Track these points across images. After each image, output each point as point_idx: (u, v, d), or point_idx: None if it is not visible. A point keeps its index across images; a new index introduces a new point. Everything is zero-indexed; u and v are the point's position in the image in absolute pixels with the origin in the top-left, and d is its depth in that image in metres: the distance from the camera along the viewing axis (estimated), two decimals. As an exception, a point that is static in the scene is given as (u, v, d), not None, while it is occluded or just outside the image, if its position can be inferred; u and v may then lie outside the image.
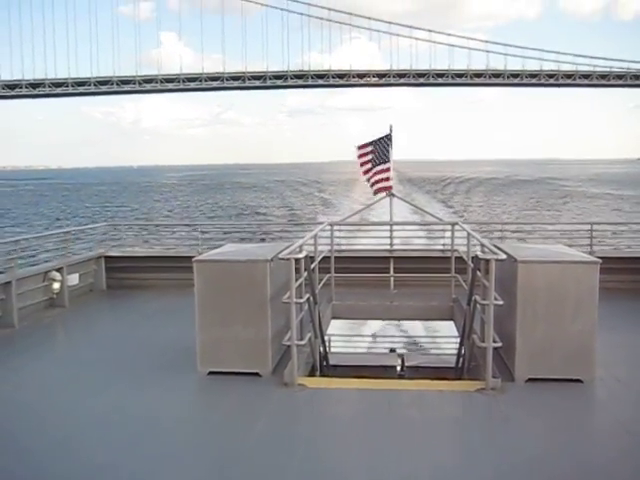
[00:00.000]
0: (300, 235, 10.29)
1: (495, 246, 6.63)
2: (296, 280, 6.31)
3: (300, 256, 6.39)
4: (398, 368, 10.37)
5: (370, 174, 11.69)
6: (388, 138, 11.44)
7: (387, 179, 11.55)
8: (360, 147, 11.65)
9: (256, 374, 6.55)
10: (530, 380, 6.29)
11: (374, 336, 15.09)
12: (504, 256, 6.08)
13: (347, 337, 13.38)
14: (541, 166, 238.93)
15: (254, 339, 6.55)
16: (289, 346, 6.31)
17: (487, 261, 6.14)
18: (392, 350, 12.15)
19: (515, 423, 5.47)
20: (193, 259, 6.72)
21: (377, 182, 11.68)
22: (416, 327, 15.66)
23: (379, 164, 11.56)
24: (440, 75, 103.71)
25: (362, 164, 11.69)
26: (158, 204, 74.64)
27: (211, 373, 6.63)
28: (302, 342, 6.66)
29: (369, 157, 11.67)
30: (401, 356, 10.92)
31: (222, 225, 21.33)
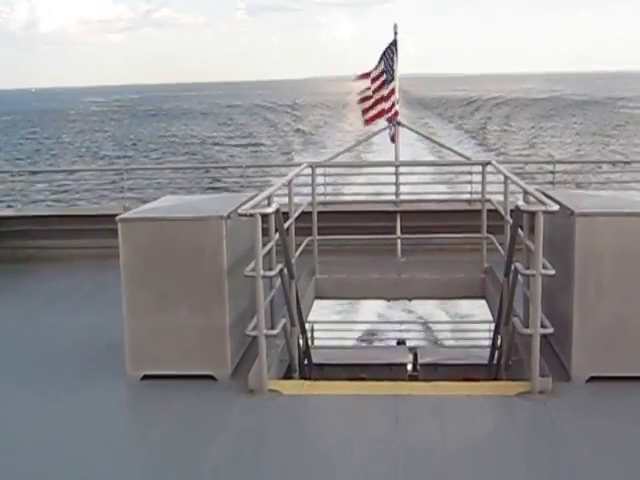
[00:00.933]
0: (269, 182, 10.21)
1: (543, 193, 6.59)
2: (264, 245, 6.25)
3: (269, 211, 6.32)
4: (409, 367, 10.49)
5: (371, 102, 11.55)
6: (394, 46, 11.26)
7: (392, 105, 11.41)
8: (361, 76, 11.53)
9: (210, 377, 6.56)
10: (592, 379, 6.34)
11: (375, 323, 15.24)
12: (556, 207, 6.03)
13: (337, 325, 13.50)
14: (599, 82, 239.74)
15: (206, 329, 6.54)
16: (255, 337, 6.29)
17: (532, 214, 6.10)
18: (400, 342, 12.28)
19: (571, 439, 5.51)
20: (117, 217, 6.65)
21: (379, 113, 11.56)
22: (433, 309, 15.83)
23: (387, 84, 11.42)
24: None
25: (364, 99, 11.59)
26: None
27: (146, 377, 6.61)
28: (274, 332, 6.66)
29: (377, 84, 11.53)
30: (413, 350, 11.03)
31: (157, 169, 21.07)
